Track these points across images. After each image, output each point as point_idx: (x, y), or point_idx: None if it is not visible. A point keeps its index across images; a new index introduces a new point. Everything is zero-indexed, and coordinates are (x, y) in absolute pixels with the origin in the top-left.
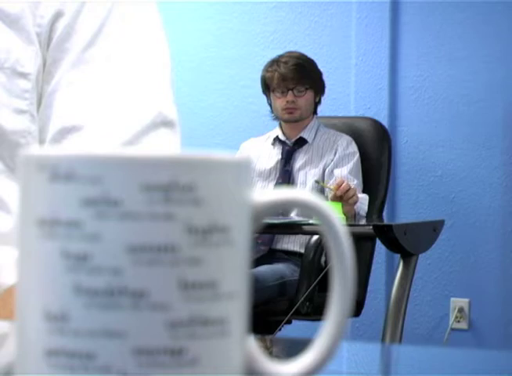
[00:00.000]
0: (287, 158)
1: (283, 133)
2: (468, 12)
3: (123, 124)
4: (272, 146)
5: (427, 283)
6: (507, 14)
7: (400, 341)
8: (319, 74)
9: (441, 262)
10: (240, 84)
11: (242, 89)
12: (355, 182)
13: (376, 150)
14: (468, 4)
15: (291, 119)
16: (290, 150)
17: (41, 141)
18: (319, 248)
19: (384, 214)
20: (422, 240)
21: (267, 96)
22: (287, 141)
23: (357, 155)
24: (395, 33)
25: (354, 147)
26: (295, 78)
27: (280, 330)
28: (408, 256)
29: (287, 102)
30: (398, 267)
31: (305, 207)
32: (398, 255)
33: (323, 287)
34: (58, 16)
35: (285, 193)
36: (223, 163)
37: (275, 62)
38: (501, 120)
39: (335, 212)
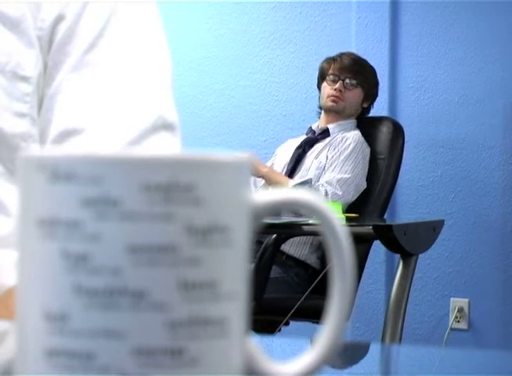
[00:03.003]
0: (306, 144)
1: (318, 124)
2: (468, 12)
3: (123, 128)
4: (305, 135)
5: (427, 283)
6: (507, 14)
7: (400, 341)
8: (374, 80)
9: (441, 262)
10: (240, 85)
11: (242, 89)
12: (341, 177)
13: (387, 150)
14: (468, 4)
15: (333, 108)
16: (313, 138)
17: (42, 144)
18: (272, 248)
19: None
20: (422, 240)
21: (319, 89)
22: (316, 130)
23: (350, 148)
24: (395, 33)
25: (352, 141)
26: (350, 69)
27: (280, 330)
28: (408, 256)
29: (335, 90)
30: (397, 267)
31: (305, 208)
32: (398, 255)
33: (318, 290)
34: (59, 19)
35: (285, 193)
36: (223, 163)
37: (338, 55)
38: (501, 120)
39: (335, 212)
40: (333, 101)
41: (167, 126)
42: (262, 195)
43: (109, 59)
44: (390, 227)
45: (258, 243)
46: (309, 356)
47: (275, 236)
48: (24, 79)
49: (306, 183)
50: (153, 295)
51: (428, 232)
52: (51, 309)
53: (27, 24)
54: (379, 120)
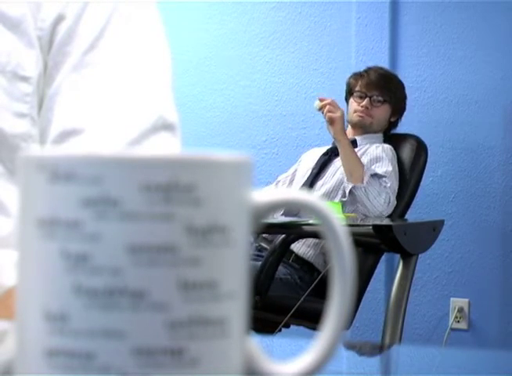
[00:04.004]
0: (333, 152)
1: None
2: (468, 12)
3: (124, 128)
4: (329, 145)
5: (427, 283)
6: (507, 14)
7: (400, 341)
8: (402, 94)
9: (441, 262)
10: (240, 85)
11: (242, 89)
12: (393, 188)
13: (409, 165)
14: (468, 4)
15: (360, 123)
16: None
17: (42, 144)
18: (280, 248)
19: None
20: (422, 240)
21: (347, 102)
22: None
23: (391, 162)
24: (395, 33)
25: (383, 152)
26: (377, 86)
27: (280, 330)
28: (408, 256)
29: (362, 106)
30: (397, 267)
31: (305, 208)
32: (398, 255)
33: (320, 293)
34: (59, 19)
35: (285, 193)
36: (223, 163)
37: (365, 70)
38: (501, 120)
39: (335, 212)
40: (360, 116)
41: (167, 126)
42: (262, 195)
43: (109, 59)
44: (390, 227)
45: (270, 242)
46: (309, 356)
47: (283, 236)
48: (24, 79)
49: (378, 177)
50: (153, 295)
51: (428, 232)
52: (51, 309)
53: (27, 24)
54: (404, 137)
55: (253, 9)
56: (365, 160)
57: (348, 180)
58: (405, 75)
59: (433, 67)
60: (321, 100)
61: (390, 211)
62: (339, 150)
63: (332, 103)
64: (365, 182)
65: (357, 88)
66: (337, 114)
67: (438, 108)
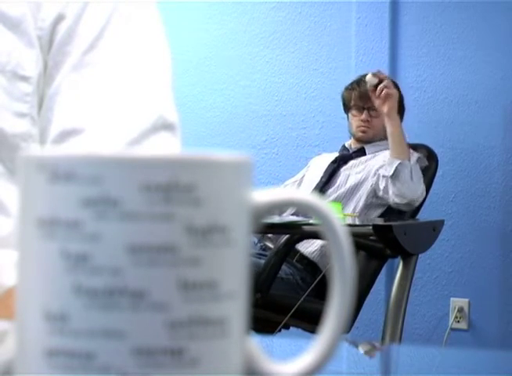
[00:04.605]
0: (341, 160)
1: (351, 143)
2: (468, 12)
3: (123, 128)
4: (337, 153)
5: (427, 283)
6: (507, 14)
7: (400, 341)
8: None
9: (441, 262)
10: (240, 85)
11: (242, 89)
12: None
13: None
14: (468, 4)
15: (364, 138)
16: (348, 155)
17: (42, 144)
18: (284, 248)
19: None
20: (422, 240)
21: (347, 115)
22: (350, 149)
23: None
24: (395, 33)
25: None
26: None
27: (280, 330)
28: (408, 256)
29: (362, 121)
30: (397, 267)
31: (305, 207)
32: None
33: (320, 294)
34: (59, 19)
35: (285, 193)
36: (223, 163)
37: (355, 81)
38: (501, 120)
39: (335, 212)
40: (363, 131)
41: (167, 126)
42: (262, 195)
43: (109, 59)
44: (390, 227)
45: (275, 242)
46: (309, 356)
47: (287, 236)
48: (24, 79)
49: (421, 162)
50: (153, 295)
51: (428, 232)
52: (51, 309)
53: (27, 24)
54: (414, 147)
55: (253, 9)
56: (375, 166)
57: (394, 157)
58: (405, 75)
59: (433, 67)
60: (375, 76)
61: (421, 200)
62: (388, 128)
63: (388, 80)
64: (412, 162)
65: (352, 103)
66: (394, 91)
67: (438, 108)
